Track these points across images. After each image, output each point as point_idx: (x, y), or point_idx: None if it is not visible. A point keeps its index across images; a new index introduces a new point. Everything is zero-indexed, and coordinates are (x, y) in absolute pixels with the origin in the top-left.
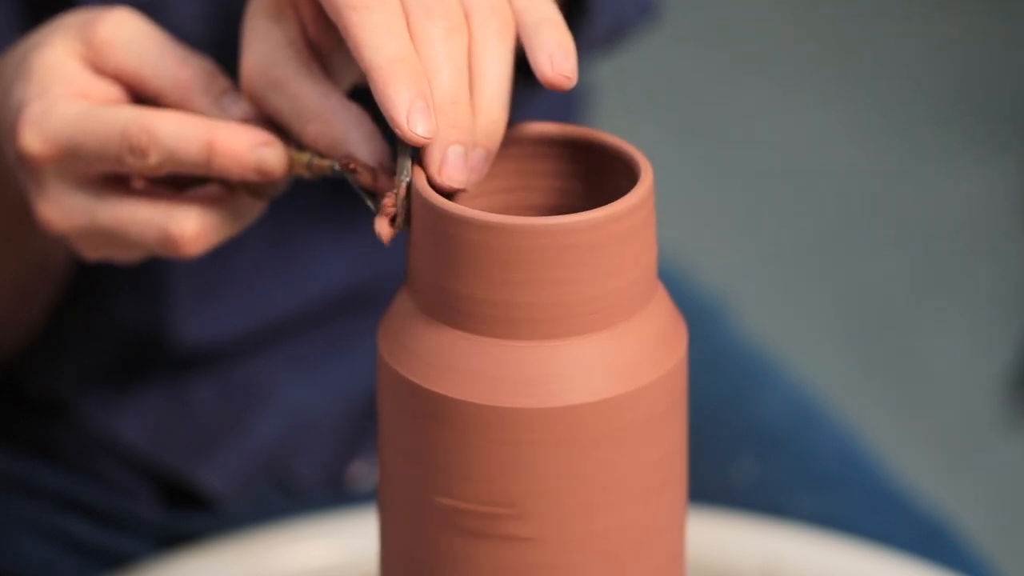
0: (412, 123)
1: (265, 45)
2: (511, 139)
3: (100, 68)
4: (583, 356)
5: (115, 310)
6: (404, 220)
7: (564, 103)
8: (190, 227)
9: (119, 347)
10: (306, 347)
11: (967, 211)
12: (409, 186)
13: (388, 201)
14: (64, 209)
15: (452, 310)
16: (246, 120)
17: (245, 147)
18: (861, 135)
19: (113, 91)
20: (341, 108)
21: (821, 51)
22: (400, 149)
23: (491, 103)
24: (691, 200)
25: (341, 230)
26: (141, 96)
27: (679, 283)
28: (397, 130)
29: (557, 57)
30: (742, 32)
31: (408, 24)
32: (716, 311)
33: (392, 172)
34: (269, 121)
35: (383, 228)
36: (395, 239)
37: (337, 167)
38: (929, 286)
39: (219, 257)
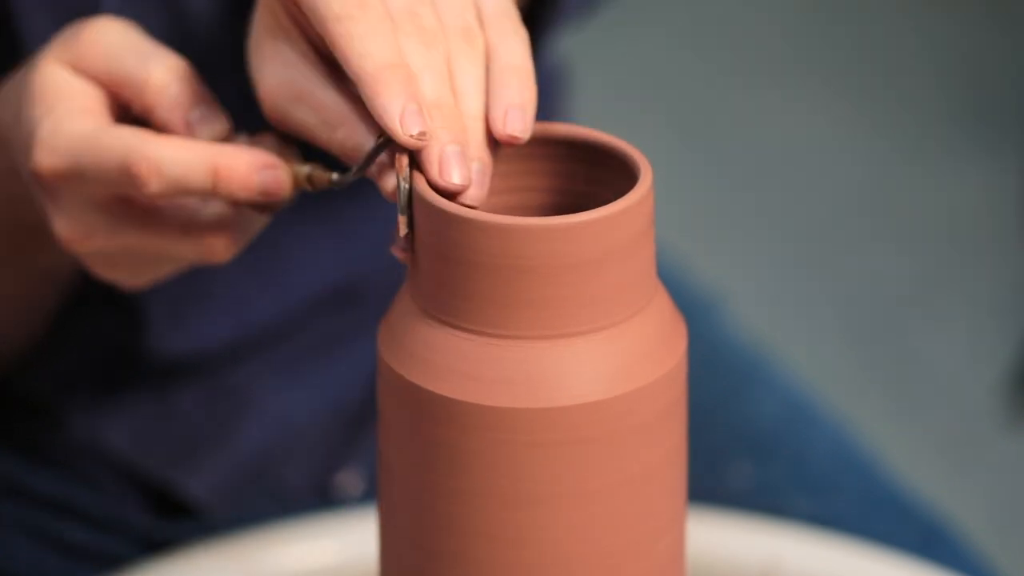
0: (406, 127)
1: (279, 64)
2: None
3: (86, 75)
4: (583, 356)
5: (93, 323)
6: (409, 243)
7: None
8: (222, 240)
9: (101, 356)
10: (291, 352)
11: (967, 211)
12: (410, 194)
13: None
14: (84, 228)
15: (452, 310)
16: (220, 138)
17: (249, 170)
18: (860, 134)
19: (105, 97)
20: (364, 112)
21: (820, 51)
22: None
23: (475, 116)
24: (690, 200)
25: (319, 233)
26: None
27: (672, 281)
28: (393, 136)
29: (511, 115)
30: (742, 32)
31: None
32: (709, 309)
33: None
34: (279, 135)
35: (399, 252)
36: (382, 237)
37: (335, 178)
38: (929, 286)
39: (195, 269)
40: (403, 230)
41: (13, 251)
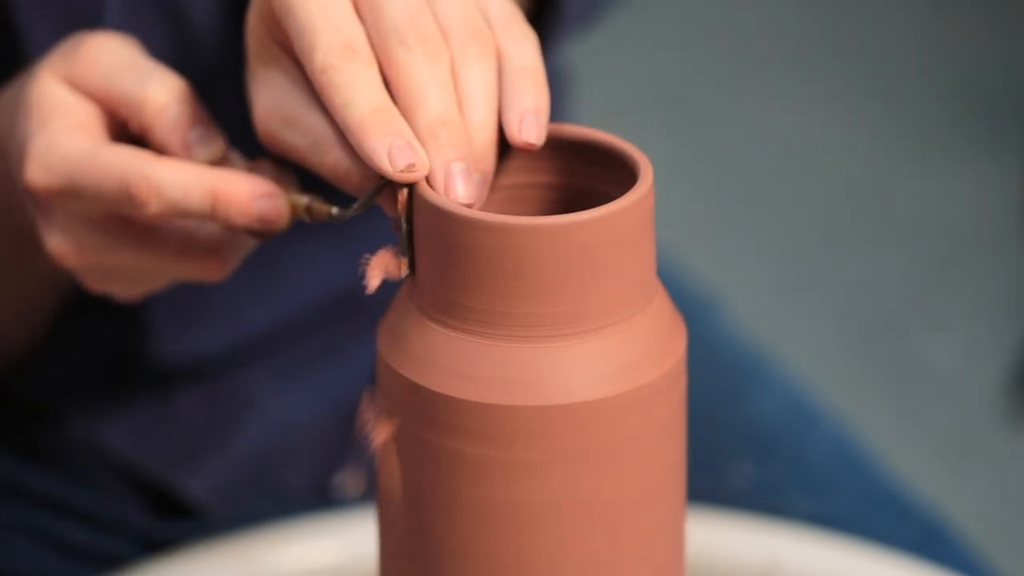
0: (395, 163)
1: (271, 89)
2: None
3: (83, 92)
4: (583, 356)
5: (92, 326)
6: (411, 265)
7: None
8: (216, 261)
9: (100, 360)
10: (290, 358)
11: (967, 211)
12: (410, 236)
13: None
14: (77, 244)
15: (452, 310)
16: (216, 159)
17: (249, 197)
18: (860, 134)
19: (102, 114)
20: None
21: (820, 51)
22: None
23: (481, 126)
24: (690, 200)
25: (319, 245)
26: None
27: (672, 281)
28: (386, 175)
29: (527, 121)
30: (741, 32)
31: (388, 58)
32: (709, 309)
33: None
34: (274, 159)
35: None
36: (382, 248)
37: (335, 212)
38: (929, 286)
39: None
40: (404, 271)
41: (12, 253)
